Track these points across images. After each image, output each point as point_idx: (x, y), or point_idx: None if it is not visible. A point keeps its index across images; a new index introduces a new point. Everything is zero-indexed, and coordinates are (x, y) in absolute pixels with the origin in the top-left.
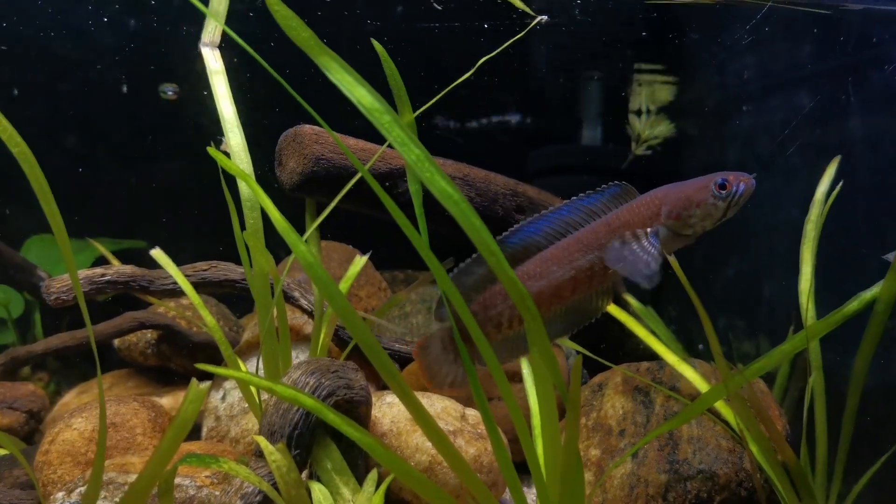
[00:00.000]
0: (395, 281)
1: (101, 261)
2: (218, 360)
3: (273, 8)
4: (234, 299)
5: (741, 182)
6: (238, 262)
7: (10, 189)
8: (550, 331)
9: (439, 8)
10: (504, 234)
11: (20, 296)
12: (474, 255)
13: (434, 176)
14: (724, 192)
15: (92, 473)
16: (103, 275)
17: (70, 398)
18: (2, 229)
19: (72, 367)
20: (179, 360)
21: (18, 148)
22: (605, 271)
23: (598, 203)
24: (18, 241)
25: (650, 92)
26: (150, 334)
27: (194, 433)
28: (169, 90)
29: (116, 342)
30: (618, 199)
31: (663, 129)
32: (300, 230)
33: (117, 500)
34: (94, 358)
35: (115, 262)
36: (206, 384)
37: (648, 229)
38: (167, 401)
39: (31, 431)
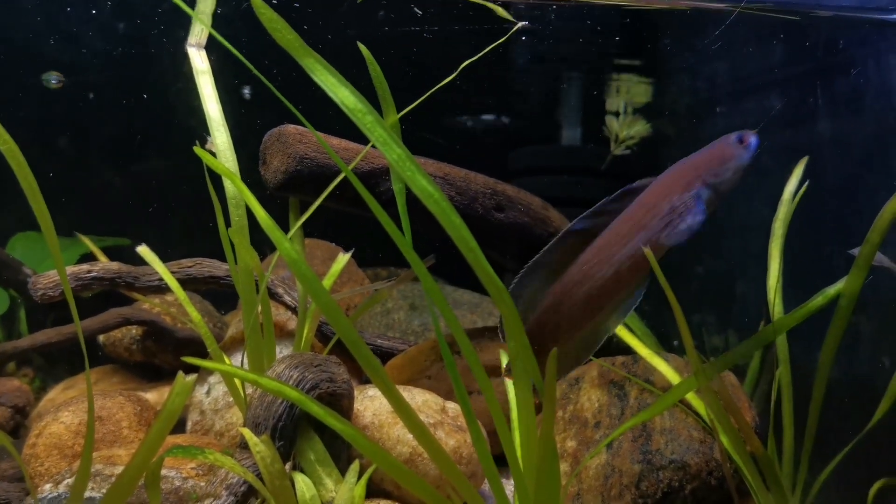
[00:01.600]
0: (378, 278)
1: (86, 258)
2: (202, 355)
3: (259, 11)
4: (218, 296)
5: (751, 135)
6: (223, 259)
7: None
8: (607, 328)
9: (419, 13)
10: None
11: (5, 292)
12: (525, 268)
13: (415, 175)
14: (743, 144)
15: (80, 465)
16: (89, 271)
17: (55, 394)
18: None
19: (56, 364)
20: (164, 355)
21: (6, 146)
22: (644, 257)
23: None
24: (2, 239)
25: (626, 92)
26: (134, 330)
27: (179, 427)
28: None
29: (101, 338)
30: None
31: (640, 128)
32: (284, 228)
33: (104, 491)
34: (78, 354)
35: (102, 258)
36: (192, 377)
37: (692, 191)
38: (152, 396)
39: (16, 426)
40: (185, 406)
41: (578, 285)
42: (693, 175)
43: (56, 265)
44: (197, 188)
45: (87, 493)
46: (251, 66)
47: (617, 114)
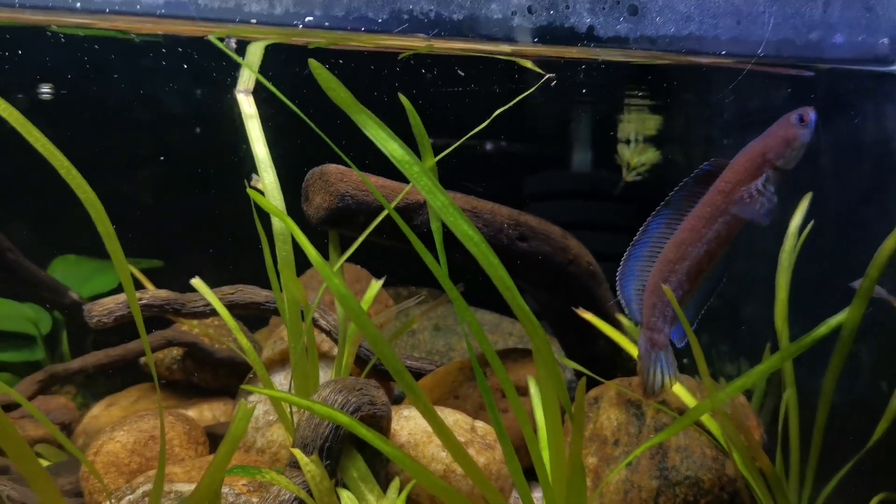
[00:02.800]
0: (399, 297)
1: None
2: (239, 374)
3: (316, 72)
4: (248, 318)
5: (809, 111)
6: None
7: (34, 211)
8: (698, 301)
9: (462, 74)
10: (634, 239)
11: (48, 314)
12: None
13: (457, 220)
14: (804, 122)
15: (156, 480)
16: (141, 298)
17: (98, 410)
18: (27, 250)
19: (96, 381)
20: (202, 374)
21: (86, 195)
22: (728, 234)
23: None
24: (42, 261)
25: (638, 123)
26: (175, 351)
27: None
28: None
29: (143, 359)
30: (710, 176)
31: (650, 156)
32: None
33: None
34: (117, 372)
35: (148, 285)
36: (252, 404)
37: (761, 178)
38: (192, 413)
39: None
40: (229, 423)
41: (680, 261)
42: (762, 160)
43: (127, 294)
44: (235, 220)
45: None
46: (300, 112)
47: (628, 142)
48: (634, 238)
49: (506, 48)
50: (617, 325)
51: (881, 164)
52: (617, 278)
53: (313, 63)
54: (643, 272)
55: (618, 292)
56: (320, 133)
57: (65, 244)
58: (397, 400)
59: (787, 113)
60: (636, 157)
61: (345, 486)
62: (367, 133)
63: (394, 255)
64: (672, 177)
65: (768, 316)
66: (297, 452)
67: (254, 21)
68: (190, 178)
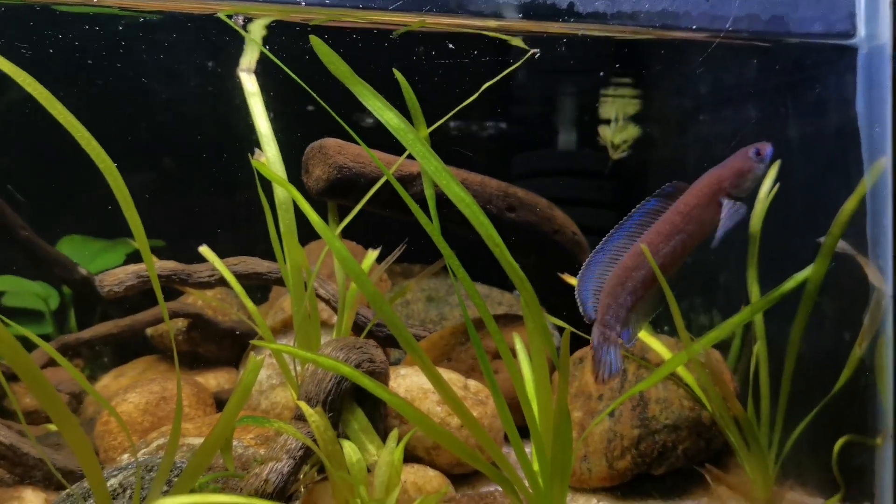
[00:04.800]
0: (393, 273)
1: (131, 256)
2: (241, 344)
3: (317, 48)
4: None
5: (766, 147)
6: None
7: (43, 193)
8: (649, 307)
9: (452, 47)
10: (596, 247)
11: (55, 290)
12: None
13: (450, 183)
14: (759, 156)
15: (171, 433)
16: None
17: (108, 381)
18: (37, 230)
19: (101, 354)
20: (207, 345)
21: (104, 164)
22: (683, 251)
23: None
24: (50, 241)
25: (620, 105)
26: (180, 322)
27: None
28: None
29: (149, 330)
30: (671, 197)
31: (630, 132)
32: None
33: (179, 457)
34: (121, 344)
35: (153, 258)
36: (261, 356)
37: (716, 204)
38: (200, 380)
39: (73, 411)
40: (232, 389)
41: (637, 269)
42: (718, 188)
43: (147, 266)
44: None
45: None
46: (308, 88)
47: (609, 121)
48: (597, 247)
49: (493, 23)
50: None
51: (842, 132)
52: (577, 279)
53: (314, 39)
54: (601, 276)
55: (576, 293)
56: (325, 106)
57: (68, 226)
58: (393, 364)
59: (743, 148)
60: (618, 135)
61: (346, 437)
62: (365, 103)
63: (386, 231)
64: (649, 153)
65: (742, 277)
66: (303, 404)
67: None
68: (190, 160)
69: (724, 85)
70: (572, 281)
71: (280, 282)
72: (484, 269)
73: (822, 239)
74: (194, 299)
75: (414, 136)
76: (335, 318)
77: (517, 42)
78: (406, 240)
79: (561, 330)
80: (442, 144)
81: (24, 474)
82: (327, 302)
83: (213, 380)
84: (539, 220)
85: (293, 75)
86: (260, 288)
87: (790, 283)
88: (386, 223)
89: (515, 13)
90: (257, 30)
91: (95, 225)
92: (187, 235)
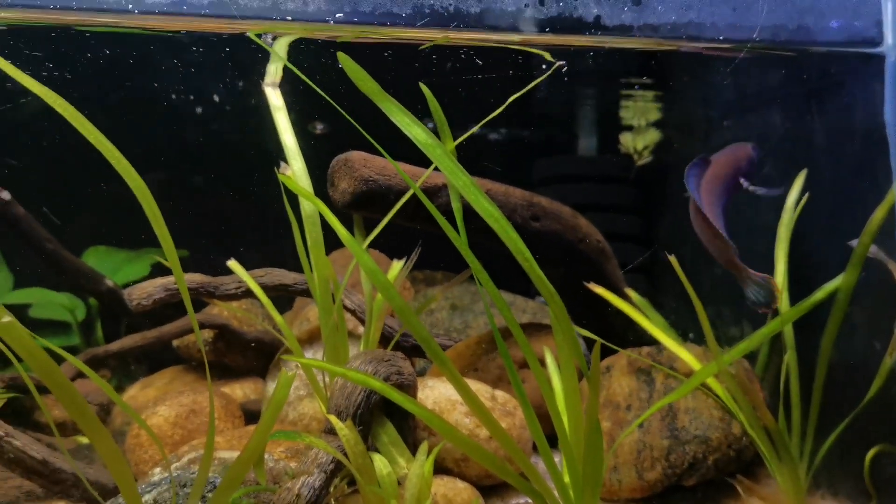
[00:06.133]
0: (416, 280)
1: (156, 267)
2: (266, 355)
3: (345, 64)
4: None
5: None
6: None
7: (67, 204)
8: None
9: (480, 63)
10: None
11: (81, 302)
12: None
13: (478, 198)
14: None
15: (206, 447)
16: (176, 282)
17: (135, 392)
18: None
19: (128, 366)
20: (232, 356)
21: (134, 181)
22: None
23: None
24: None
25: (643, 112)
26: (206, 333)
27: (255, 419)
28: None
29: (175, 342)
30: None
31: (652, 136)
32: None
33: (211, 471)
34: (148, 356)
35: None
36: (292, 372)
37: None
38: (225, 391)
39: (101, 422)
40: (259, 400)
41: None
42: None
43: (176, 277)
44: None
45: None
46: (332, 102)
47: (630, 128)
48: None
49: (517, 38)
50: (626, 299)
51: (870, 140)
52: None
53: (342, 56)
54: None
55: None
56: (351, 121)
57: (91, 237)
58: (419, 375)
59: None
60: (640, 141)
61: (376, 451)
62: (393, 119)
63: (410, 241)
64: (674, 160)
65: None
66: (333, 418)
67: (289, 18)
68: (217, 171)
69: (748, 93)
70: (599, 290)
71: (306, 293)
72: (507, 277)
73: (853, 242)
74: (219, 310)
75: (442, 151)
76: (361, 329)
77: (548, 57)
78: (420, 243)
79: (586, 338)
80: (466, 154)
81: (57, 490)
82: (353, 312)
83: (240, 390)
84: (564, 229)
85: (317, 88)
86: (281, 297)
87: (821, 294)
88: (407, 231)
89: (540, 28)
90: (282, 45)
91: (116, 235)
92: (209, 246)
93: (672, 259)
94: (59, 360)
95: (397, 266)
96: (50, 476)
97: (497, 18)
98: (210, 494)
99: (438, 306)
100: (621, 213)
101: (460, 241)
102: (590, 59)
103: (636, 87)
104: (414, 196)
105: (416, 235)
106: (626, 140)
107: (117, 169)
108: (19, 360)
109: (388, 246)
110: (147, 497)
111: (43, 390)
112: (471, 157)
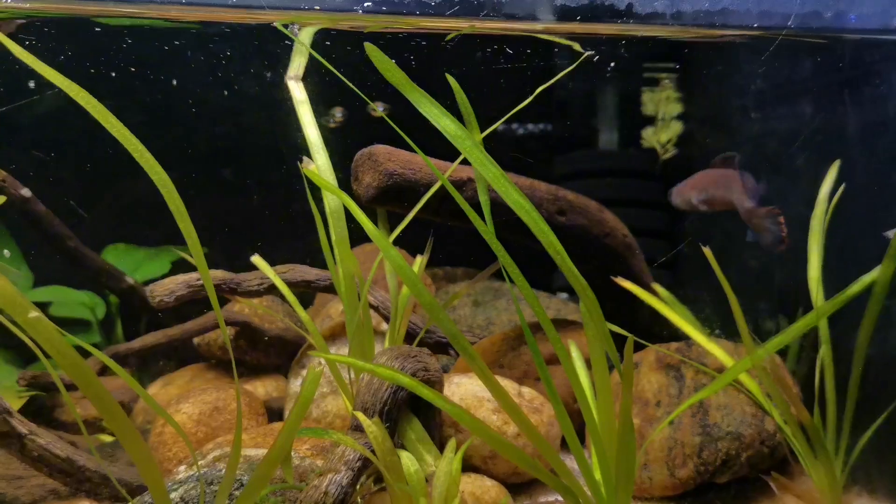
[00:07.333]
0: (437, 277)
1: (176, 264)
2: (288, 352)
3: (372, 55)
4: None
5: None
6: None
7: (86, 203)
8: None
9: (510, 52)
10: None
11: (102, 300)
12: None
13: (509, 190)
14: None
15: (233, 445)
16: (198, 279)
17: (156, 389)
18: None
19: (149, 363)
20: (254, 353)
21: (158, 176)
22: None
23: None
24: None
25: (668, 103)
26: (227, 331)
27: (277, 416)
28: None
29: (196, 339)
30: None
31: (674, 129)
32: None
33: (238, 469)
34: (168, 354)
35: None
36: (320, 368)
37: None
38: (249, 388)
39: None
40: (282, 398)
41: None
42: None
43: (202, 274)
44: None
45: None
46: (363, 95)
47: (654, 121)
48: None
49: (540, 27)
50: (654, 294)
51: None
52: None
53: (369, 46)
54: None
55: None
56: (381, 112)
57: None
58: (444, 371)
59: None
60: (663, 134)
61: (403, 448)
62: (421, 110)
63: (425, 238)
64: (700, 152)
65: (802, 279)
66: (360, 415)
67: (317, 7)
68: (237, 168)
69: (780, 82)
70: (626, 284)
71: (329, 289)
72: (527, 273)
73: (889, 233)
74: (241, 307)
75: (471, 144)
76: (384, 325)
77: (577, 47)
78: (431, 235)
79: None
80: (491, 147)
81: (85, 488)
82: (376, 309)
83: (262, 388)
84: (590, 224)
85: (346, 80)
86: (302, 294)
87: (856, 287)
88: (422, 228)
89: (571, 16)
90: (306, 36)
91: (136, 232)
92: (227, 242)
93: (707, 251)
94: (84, 356)
95: (420, 261)
96: (76, 474)
97: (527, 6)
98: (237, 492)
99: (461, 303)
100: (646, 207)
101: (490, 233)
102: (621, 47)
103: (664, 80)
104: (438, 191)
105: (438, 230)
106: (650, 137)
107: (141, 164)
108: (47, 356)
109: (406, 241)
110: (174, 495)
111: (68, 388)
112: (492, 151)
